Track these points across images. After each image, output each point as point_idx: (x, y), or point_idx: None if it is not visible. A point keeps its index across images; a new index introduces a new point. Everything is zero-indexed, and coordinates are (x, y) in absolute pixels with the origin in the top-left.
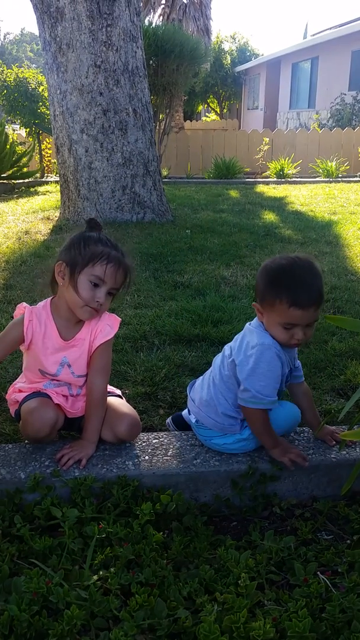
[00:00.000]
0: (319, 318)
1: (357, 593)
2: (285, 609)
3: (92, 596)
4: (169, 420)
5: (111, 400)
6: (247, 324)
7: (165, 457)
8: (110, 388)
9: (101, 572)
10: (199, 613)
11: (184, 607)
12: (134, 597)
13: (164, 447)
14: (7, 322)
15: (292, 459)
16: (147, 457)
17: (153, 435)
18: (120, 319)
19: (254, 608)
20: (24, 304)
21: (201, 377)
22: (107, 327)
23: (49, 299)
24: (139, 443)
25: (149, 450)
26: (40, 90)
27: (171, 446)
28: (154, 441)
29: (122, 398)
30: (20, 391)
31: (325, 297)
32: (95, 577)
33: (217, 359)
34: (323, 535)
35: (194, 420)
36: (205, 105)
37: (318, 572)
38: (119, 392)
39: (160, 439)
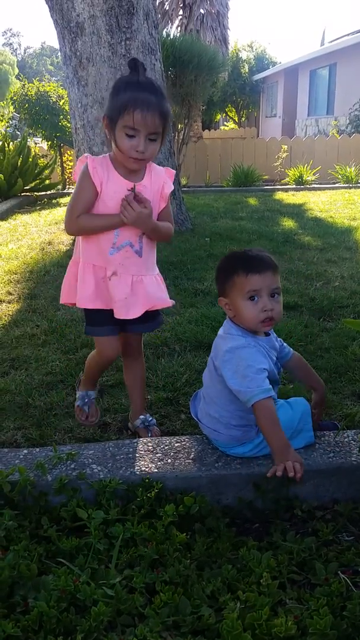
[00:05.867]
0: (281, 290)
1: None
2: (307, 607)
3: (118, 594)
4: None
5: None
6: (220, 331)
7: (187, 461)
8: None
9: (126, 571)
10: (222, 611)
11: (207, 605)
12: (159, 595)
13: (186, 450)
14: (33, 330)
15: (290, 465)
16: (169, 461)
17: (175, 439)
18: (174, 171)
19: (275, 606)
20: (86, 154)
21: (200, 397)
22: (168, 179)
23: (107, 154)
24: (162, 447)
25: (172, 454)
26: (61, 103)
27: (193, 450)
28: (176, 445)
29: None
30: (84, 272)
31: (345, 302)
32: (120, 576)
33: (205, 376)
34: (344, 536)
35: (210, 438)
36: (224, 114)
37: (339, 572)
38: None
39: (182, 443)
